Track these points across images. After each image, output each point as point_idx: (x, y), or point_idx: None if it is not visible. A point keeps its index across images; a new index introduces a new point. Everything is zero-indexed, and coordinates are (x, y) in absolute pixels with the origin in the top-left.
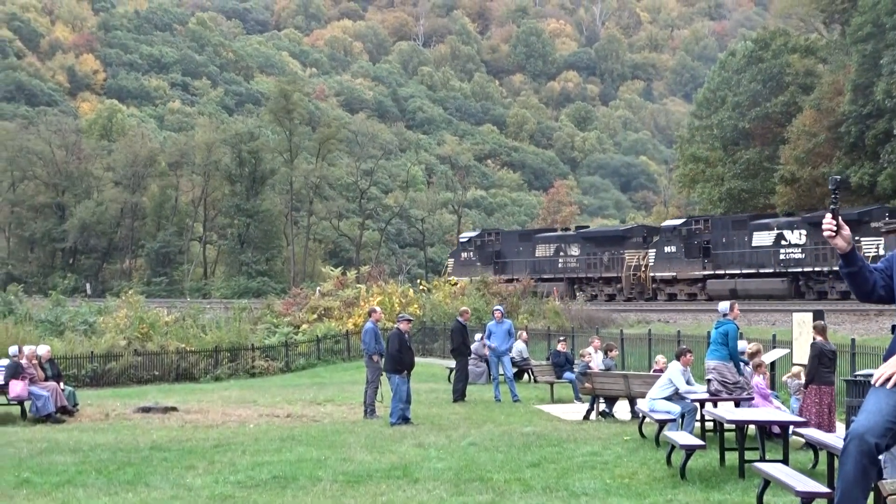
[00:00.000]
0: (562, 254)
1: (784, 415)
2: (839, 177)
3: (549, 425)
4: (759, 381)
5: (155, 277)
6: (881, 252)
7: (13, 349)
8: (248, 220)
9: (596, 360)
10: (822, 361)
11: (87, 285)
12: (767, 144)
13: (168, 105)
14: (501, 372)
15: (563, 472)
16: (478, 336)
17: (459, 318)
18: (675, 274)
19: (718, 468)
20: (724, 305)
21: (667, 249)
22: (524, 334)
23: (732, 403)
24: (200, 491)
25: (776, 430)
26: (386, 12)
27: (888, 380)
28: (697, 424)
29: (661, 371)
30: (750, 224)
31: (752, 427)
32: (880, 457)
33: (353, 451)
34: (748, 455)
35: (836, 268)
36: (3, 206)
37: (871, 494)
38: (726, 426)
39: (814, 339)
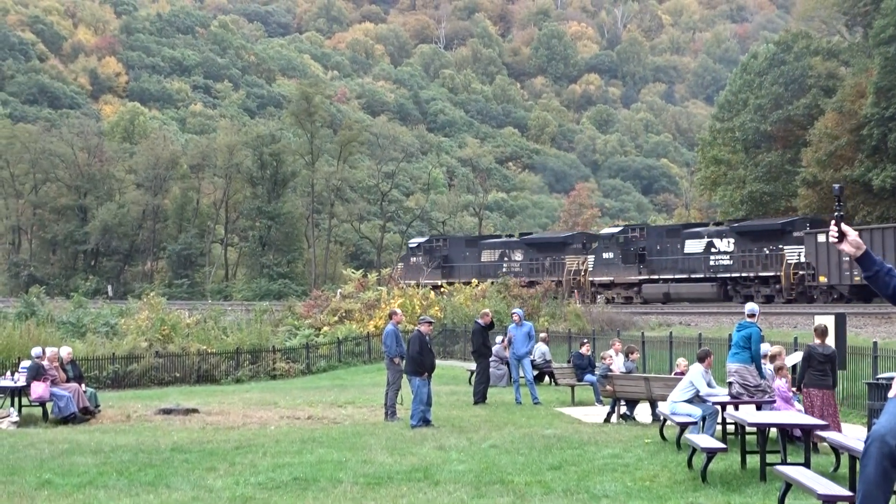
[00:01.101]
0: (506, 259)
1: (806, 417)
2: (840, 185)
3: (570, 428)
4: (780, 384)
5: (176, 279)
6: (802, 259)
7: (35, 351)
8: (269, 222)
9: (617, 363)
10: (812, 364)
11: (109, 287)
12: (789, 147)
13: (190, 108)
14: (522, 374)
15: (583, 474)
16: (498, 338)
17: (479, 321)
18: (612, 278)
19: (740, 471)
20: (751, 307)
21: (605, 255)
22: (546, 336)
23: (754, 406)
24: (221, 492)
25: (798, 433)
26: (407, 15)
27: None
28: (719, 427)
29: (683, 374)
30: (682, 232)
31: (773, 430)
32: None
33: (373, 453)
34: (769, 458)
35: (761, 273)
36: (25, 209)
37: (894, 497)
38: (748, 429)
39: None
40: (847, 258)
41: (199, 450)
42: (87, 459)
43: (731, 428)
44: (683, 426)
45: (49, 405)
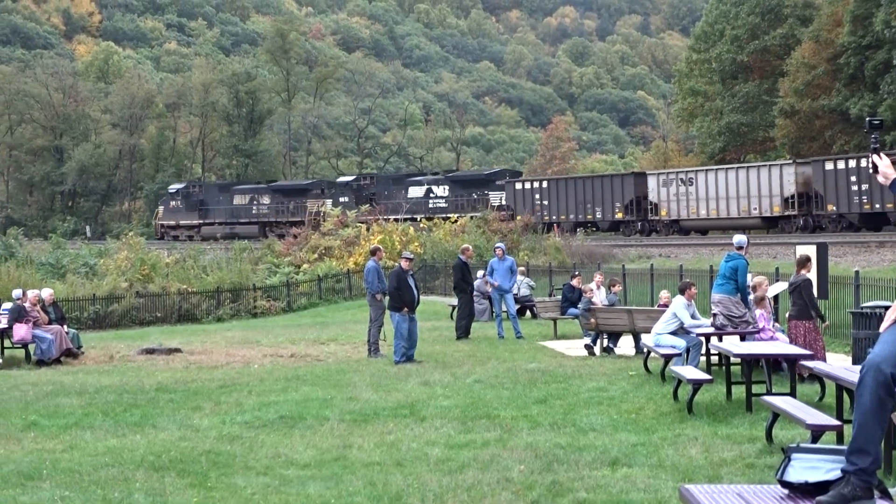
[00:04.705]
0: (255, 203)
1: (791, 348)
2: (872, 119)
3: (554, 362)
4: (761, 313)
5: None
6: (503, 202)
7: (17, 292)
8: (246, 160)
9: (599, 296)
10: (790, 296)
11: (87, 228)
12: (766, 77)
13: (164, 46)
14: (504, 309)
15: (569, 408)
16: (480, 273)
17: (461, 256)
18: None
19: (725, 402)
20: (739, 239)
21: (341, 199)
22: (523, 269)
23: (738, 337)
24: (208, 431)
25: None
26: None
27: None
28: (703, 358)
29: (666, 306)
30: (406, 180)
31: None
32: None
33: (358, 390)
34: (755, 389)
35: (473, 215)
36: (1, 150)
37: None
38: (732, 360)
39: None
40: (541, 201)
41: (184, 389)
42: (72, 401)
43: (715, 359)
44: (668, 358)
45: (31, 347)
